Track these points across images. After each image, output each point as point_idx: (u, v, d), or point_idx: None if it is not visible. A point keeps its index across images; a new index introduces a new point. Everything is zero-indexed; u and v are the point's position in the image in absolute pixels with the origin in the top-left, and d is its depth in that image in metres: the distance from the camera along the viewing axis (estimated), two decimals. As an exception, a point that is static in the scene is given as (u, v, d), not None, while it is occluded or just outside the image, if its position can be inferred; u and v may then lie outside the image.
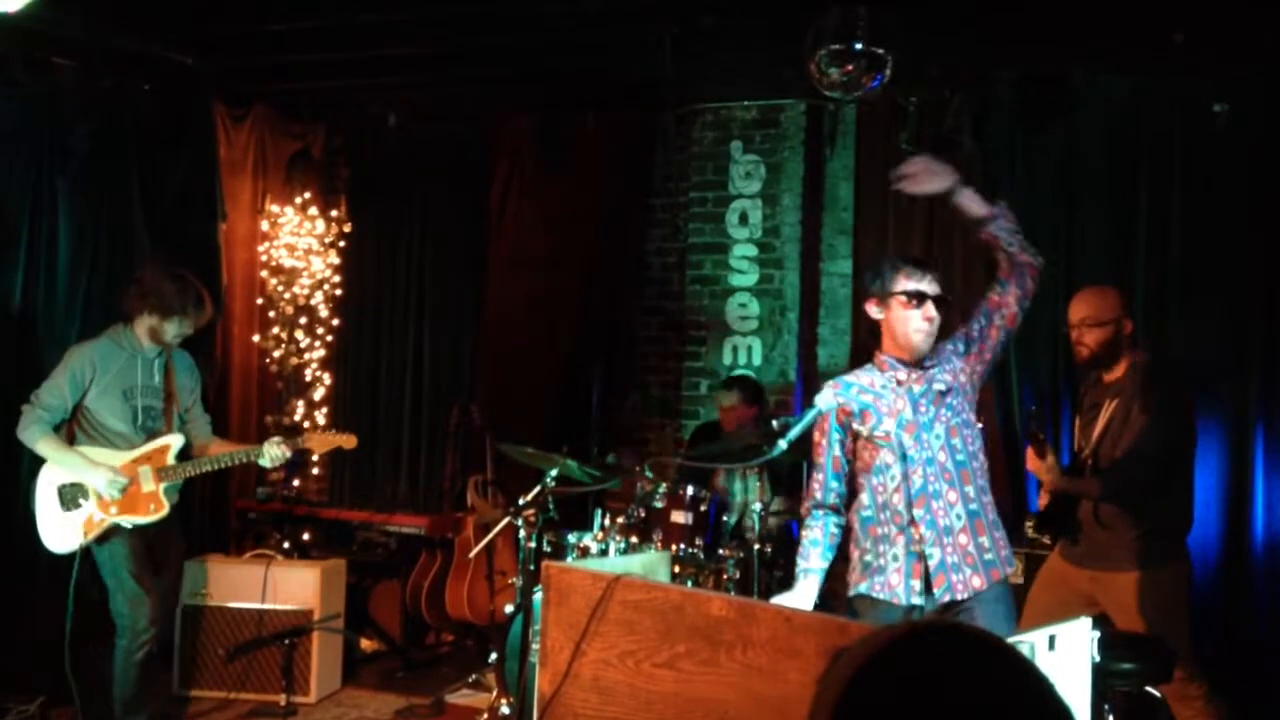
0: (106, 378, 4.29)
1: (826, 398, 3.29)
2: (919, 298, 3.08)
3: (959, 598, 3.05)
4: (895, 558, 3.10)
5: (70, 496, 4.25)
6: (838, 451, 3.24)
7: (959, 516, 3.07)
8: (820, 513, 3.25)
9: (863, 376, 3.23)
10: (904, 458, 3.09)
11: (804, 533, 3.25)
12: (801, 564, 3.20)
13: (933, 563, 3.05)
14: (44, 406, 4.24)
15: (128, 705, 4.28)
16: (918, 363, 3.14)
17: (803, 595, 3.10)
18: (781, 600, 3.07)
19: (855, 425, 3.19)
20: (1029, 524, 4.33)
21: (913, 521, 3.07)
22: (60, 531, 4.25)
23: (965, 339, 3.18)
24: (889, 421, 3.13)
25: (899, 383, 3.15)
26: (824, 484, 3.26)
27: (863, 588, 3.16)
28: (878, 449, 3.14)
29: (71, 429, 4.33)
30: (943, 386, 3.12)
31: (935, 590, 3.06)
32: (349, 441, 4.54)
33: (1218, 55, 4.63)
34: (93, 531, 4.22)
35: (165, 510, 4.31)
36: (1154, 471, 3.78)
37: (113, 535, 4.24)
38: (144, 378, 4.38)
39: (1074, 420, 4.15)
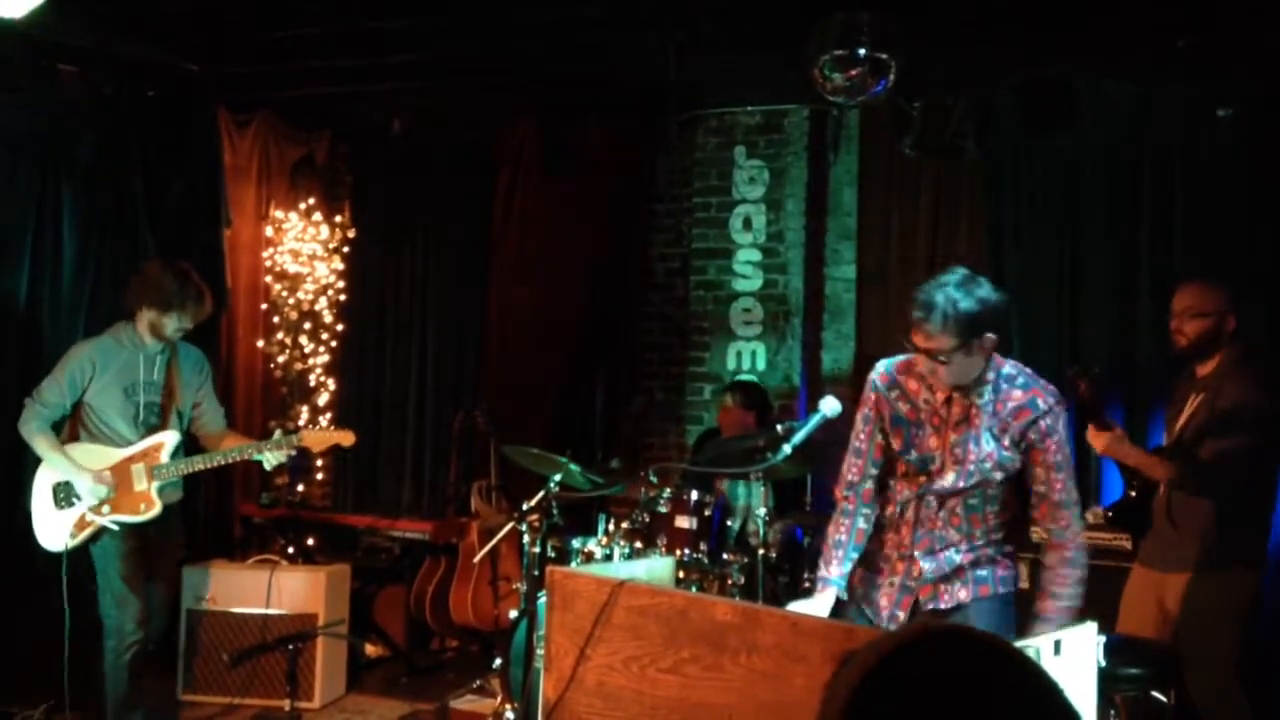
0: (107, 375, 4.29)
1: (832, 404, 3.28)
2: (926, 353, 2.88)
3: (943, 606, 3.02)
4: (891, 584, 3.06)
5: (64, 495, 4.24)
6: (880, 439, 3.09)
7: (959, 552, 3.02)
8: (851, 505, 3.10)
9: (910, 378, 3.04)
10: (920, 494, 3.02)
11: (831, 529, 3.12)
12: (821, 570, 3.09)
13: (923, 579, 3.03)
14: (43, 402, 4.25)
15: (119, 706, 4.26)
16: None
17: (816, 608, 3.00)
18: (795, 608, 3.01)
19: (888, 429, 3.07)
20: (1099, 513, 4.29)
21: (914, 558, 3.03)
22: (53, 529, 4.25)
23: (1022, 441, 2.94)
24: (915, 454, 3.02)
25: (938, 406, 2.99)
26: (862, 469, 3.10)
27: (860, 596, 3.12)
28: (903, 471, 3.06)
29: (74, 426, 4.33)
30: (980, 417, 2.93)
31: (921, 598, 3.03)
32: (346, 439, 4.52)
33: (1221, 60, 4.62)
34: (83, 531, 4.21)
35: (157, 509, 4.28)
36: (1233, 460, 3.60)
37: (106, 534, 4.23)
38: (145, 374, 4.36)
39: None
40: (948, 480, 2.97)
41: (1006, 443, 2.93)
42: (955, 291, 2.80)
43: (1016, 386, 2.94)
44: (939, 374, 2.90)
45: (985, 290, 2.84)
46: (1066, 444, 2.94)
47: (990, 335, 2.85)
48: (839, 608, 3.09)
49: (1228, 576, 3.66)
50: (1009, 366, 2.98)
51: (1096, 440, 3.71)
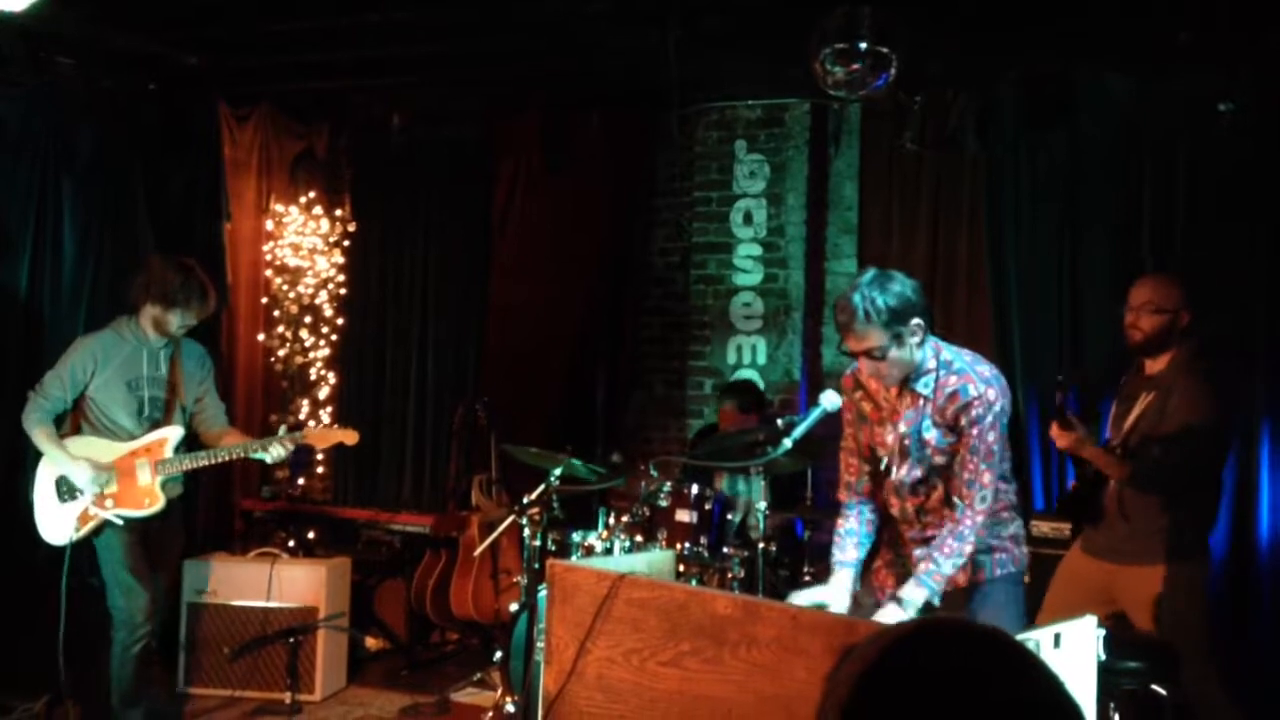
0: (109, 369, 4.28)
1: (832, 398, 3.30)
2: (865, 355, 2.97)
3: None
4: (900, 566, 3.23)
5: (67, 488, 4.23)
6: (864, 438, 3.22)
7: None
8: (854, 501, 3.24)
9: (872, 378, 3.12)
10: (897, 490, 3.13)
11: (839, 522, 3.24)
12: (836, 555, 3.18)
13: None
14: (45, 395, 4.25)
15: (125, 699, 4.28)
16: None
17: (836, 589, 3.07)
18: (814, 594, 3.07)
19: (862, 427, 3.21)
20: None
21: (908, 549, 3.18)
22: (56, 523, 4.25)
23: (956, 425, 3.01)
24: (879, 451, 3.14)
25: (894, 401, 3.08)
26: (857, 467, 3.24)
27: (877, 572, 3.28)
28: (882, 475, 3.17)
29: (77, 420, 4.33)
30: (927, 406, 3.03)
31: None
32: (350, 437, 4.53)
33: (1222, 54, 4.62)
34: (87, 524, 4.20)
35: (160, 504, 4.29)
36: (1187, 460, 3.65)
37: (109, 528, 4.23)
38: (149, 369, 4.36)
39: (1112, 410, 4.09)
40: (901, 473, 3.08)
41: (945, 428, 3.01)
42: (870, 289, 2.89)
43: (953, 372, 3.01)
44: (881, 372, 2.99)
45: (899, 282, 2.93)
46: (992, 433, 2.98)
47: (917, 321, 2.92)
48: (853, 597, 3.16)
49: (1187, 569, 3.71)
50: (949, 353, 3.05)
51: (1061, 438, 3.80)
